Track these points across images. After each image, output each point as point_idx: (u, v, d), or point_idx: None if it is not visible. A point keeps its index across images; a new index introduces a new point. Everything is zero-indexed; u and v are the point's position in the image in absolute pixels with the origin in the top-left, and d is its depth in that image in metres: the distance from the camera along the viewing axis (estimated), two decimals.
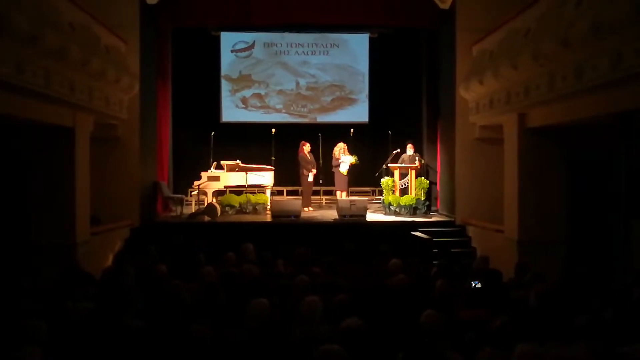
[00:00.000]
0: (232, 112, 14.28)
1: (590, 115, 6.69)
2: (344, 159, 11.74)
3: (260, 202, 11.49)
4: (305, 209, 11.62)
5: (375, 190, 13.75)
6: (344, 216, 10.36)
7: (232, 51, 14.27)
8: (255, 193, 11.84)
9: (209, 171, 11.52)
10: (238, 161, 11.70)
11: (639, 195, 6.81)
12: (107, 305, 4.53)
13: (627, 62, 5.33)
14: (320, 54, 14.41)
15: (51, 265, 6.72)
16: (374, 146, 13.33)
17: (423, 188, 11.12)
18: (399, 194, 11.14)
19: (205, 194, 11.27)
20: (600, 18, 5.47)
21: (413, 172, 11.09)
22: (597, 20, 5.54)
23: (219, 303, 4.78)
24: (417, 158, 11.44)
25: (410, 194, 11.00)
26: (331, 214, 11.13)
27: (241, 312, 4.28)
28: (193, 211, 11.04)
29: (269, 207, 11.40)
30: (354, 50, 14.45)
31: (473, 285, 5.28)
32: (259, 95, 14.36)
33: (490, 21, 9.22)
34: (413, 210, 10.90)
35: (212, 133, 12.11)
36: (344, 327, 3.82)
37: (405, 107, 13.64)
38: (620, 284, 5.18)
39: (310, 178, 11.84)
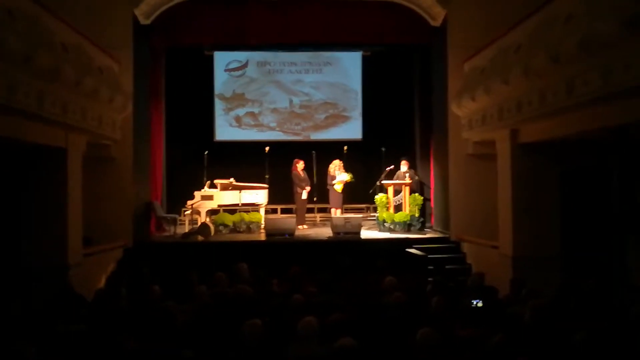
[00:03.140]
0: (225, 130, 14.29)
1: (583, 130, 6.72)
2: (340, 177, 11.74)
3: (254, 220, 11.45)
4: (300, 226, 11.58)
5: (369, 207, 13.72)
6: (339, 233, 10.33)
7: (225, 70, 14.33)
8: (249, 212, 11.80)
9: (203, 190, 11.47)
10: (232, 180, 11.67)
11: (633, 209, 6.83)
12: (99, 328, 4.47)
13: (617, 77, 5.37)
14: (313, 72, 14.48)
15: (43, 286, 6.64)
16: (368, 163, 13.33)
17: (417, 204, 11.12)
18: (393, 211, 11.13)
19: (199, 213, 11.21)
20: (590, 34, 5.52)
21: (407, 188, 11.10)
22: (586, 36, 5.59)
23: (213, 324, 4.73)
24: (407, 175, 11.42)
25: (405, 211, 11.00)
26: (325, 232, 11.09)
27: (235, 333, 4.23)
28: (187, 231, 10.97)
29: (263, 225, 11.35)
30: (347, 68, 14.54)
31: (474, 304, 5.22)
32: (252, 114, 14.39)
33: (482, 38, 9.30)
34: (407, 226, 10.88)
35: (206, 152, 12.10)
36: (339, 346, 3.78)
37: (398, 124, 13.71)
38: (617, 300, 5.16)
39: (304, 196, 11.83)
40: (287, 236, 10.33)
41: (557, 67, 6.33)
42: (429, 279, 7.21)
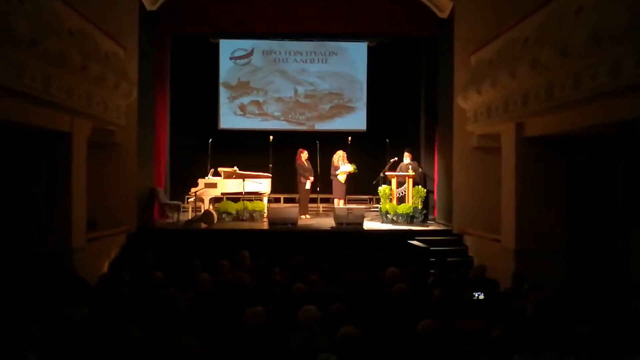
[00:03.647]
0: (230, 119, 14.29)
1: (589, 125, 6.70)
2: (343, 168, 11.74)
3: (257, 209, 11.46)
4: (303, 216, 11.60)
5: (372, 198, 13.73)
6: (341, 224, 10.34)
7: (230, 58, 14.29)
8: (252, 200, 11.81)
9: (206, 178, 11.50)
10: (235, 168, 11.68)
11: (637, 204, 6.81)
12: (102, 312, 4.49)
13: (626, 72, 5.33)
14: (318, 62, 14.44)
15: (47, 270, 6.68)
16: (372, 154, 13.32)
17: (420, 196, 11.12)
18: (396, 202, 11.13)
19: (202, 200, 11.24)
20: (600, 28, 5.47)
21: (410, 180, 11.09)
22: (596, 29, 5.54)
23: (215, 311, 4.74)
24: (410, 167, 11.41)
25: (408, 203, 11.00)
26: (328, 222, 11.11)
27: (237, 321, 4.25)
28: (190, 218, 11.01)
29: (266, 214, 11.38)
30: (352, 58, 14.49)
31: (475, 296, 5.23)
32: (257, 103, 14.37)
33: (489, 30, 9.23)
34: (410, 218, 10.89)
35: (210, 140, 12.10)
36: (341, 335, 3.79)
37: (403, 115, 13.66)
38: (620, 294, 5.16)
39: (308, 186, 11.83)
40: (289, 225, 10.35)
41: (565, 60, 6.28)
42: (431, 271, 7.23)
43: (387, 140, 12.52)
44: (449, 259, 8.97)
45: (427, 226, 10.92)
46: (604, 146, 7.59)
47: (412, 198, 11.02)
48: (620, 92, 5.63)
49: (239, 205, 11.41)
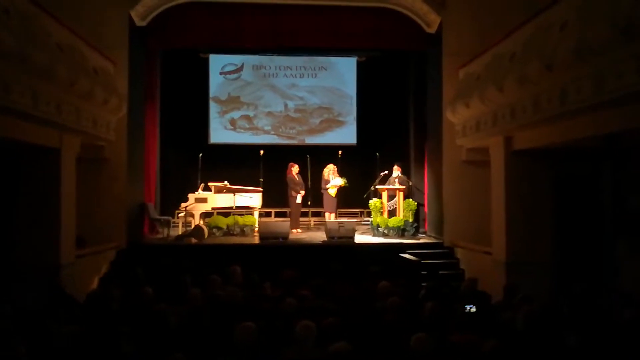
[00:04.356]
0: (220, 133, 14.28)
1: (576, 138, 6.77)
2: (334, 181, 11.74)
3: (248, 223, 11.42)
4: (294, 230, 11.56)
5: (363, 211, 13.73)
6: (333, 238, 10.32)
7: (221, 73, 14.33)
8: (243, 215, 11.77)
9: (197, 193, 11.45)
10: (226, 183, 11.65)
11: (625, 215, 6.87)
12: (92, 329, 4.44)
13: (610, 85, 5.42)
14: (308, 77, 14.51)
15: (35, 287, 6.60)
16: (362, 168, 13.34)
17: (411, 210, 11.14)
18: (387, 216, 11.14)
19: (193, 215, 11.19)
20: (583, 42, 5.57)
21: (401, 193, 11.12)
22: (580, 44, 5.63)
23: (206, 327, 4.71)
24: (396, 180, 11.44)
25: (399, 216, 11.01)
26: (319, 236, 11.09)
27: (228, 336, 4.22)
28: (180, 233, 10.94)
29: (256, 229, 11.33)
30: (342, 73, 14.57)
31: (467, 309, 5.23)
32: (247, 117, 14.39)
33: (476, 45, 9.35)
34: (401, 231, 10.89)
35: (200, 154, 12.08)
36: (334, 350, 3.78)
37: (393, 129, 13.74)
38: (608, 304, 5.18)
39: (299, 199, 11.82)
40: (280, 240, 10.32)
41: (551, 74, 6.37)
42: (423, 284, 7.22)
43: (377, 153, 12.56)
44: (440, 272, 8.97)
45: (418, 239, 10.93)
46: (590, 158, 7.66)
47: (403, 211, 11.04)
48: (604, 104, 5.71)
49: (229, 220, 11.38)
